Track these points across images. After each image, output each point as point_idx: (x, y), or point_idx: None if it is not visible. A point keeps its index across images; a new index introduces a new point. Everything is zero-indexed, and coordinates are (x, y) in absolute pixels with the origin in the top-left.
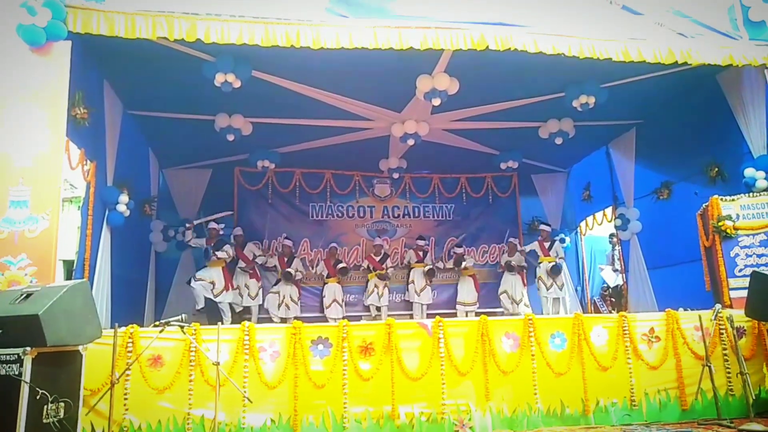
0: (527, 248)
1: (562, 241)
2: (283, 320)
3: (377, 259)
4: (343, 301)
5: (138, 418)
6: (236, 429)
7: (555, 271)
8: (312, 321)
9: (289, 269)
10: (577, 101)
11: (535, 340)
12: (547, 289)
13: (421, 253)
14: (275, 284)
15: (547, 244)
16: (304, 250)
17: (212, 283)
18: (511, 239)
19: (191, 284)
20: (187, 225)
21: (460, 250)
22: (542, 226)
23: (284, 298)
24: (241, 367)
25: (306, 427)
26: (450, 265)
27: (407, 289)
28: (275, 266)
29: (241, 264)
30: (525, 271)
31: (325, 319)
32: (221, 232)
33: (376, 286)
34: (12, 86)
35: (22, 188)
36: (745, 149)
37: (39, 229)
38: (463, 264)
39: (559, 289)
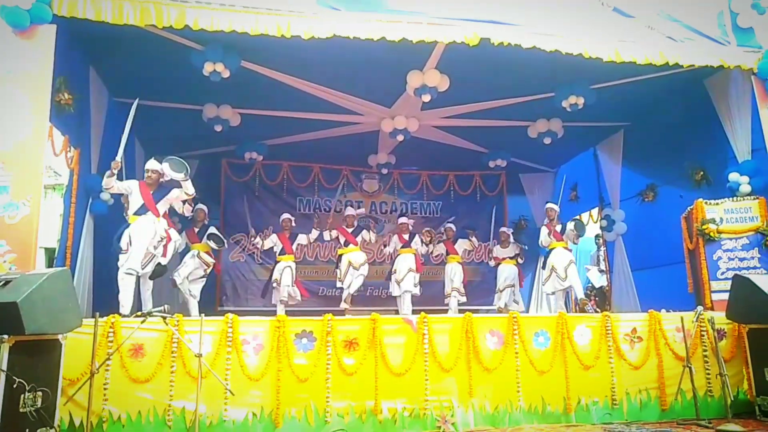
0: (543, 236)
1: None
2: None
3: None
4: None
5: (117, 409)
6: (217, 422)
7: (579, 227)
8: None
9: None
10: (567, 102)
11: (519, 338)
12: (563, 280)
13: (405, 237)
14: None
15: (558, 227)
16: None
17: None
18: (503, 229)
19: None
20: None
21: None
22: (549, 205)
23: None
24: (224, 359)
25: (288, 421)
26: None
27: (390, 280)
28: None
29: None
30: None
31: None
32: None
33: (350, 263)
34: None
35: (2, 173)
36: (730, 154)
37: (19, 215)
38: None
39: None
